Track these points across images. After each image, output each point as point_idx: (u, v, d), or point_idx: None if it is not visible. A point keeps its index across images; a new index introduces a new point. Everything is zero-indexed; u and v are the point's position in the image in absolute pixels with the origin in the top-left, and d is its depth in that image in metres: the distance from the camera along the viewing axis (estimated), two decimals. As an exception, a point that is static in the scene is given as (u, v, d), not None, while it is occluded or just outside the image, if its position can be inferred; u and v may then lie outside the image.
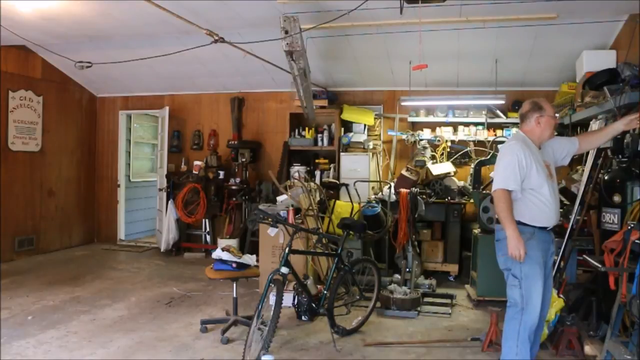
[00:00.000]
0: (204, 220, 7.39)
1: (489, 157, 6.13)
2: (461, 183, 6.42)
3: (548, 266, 3.15)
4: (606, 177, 3.88)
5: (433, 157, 6.59)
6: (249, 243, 6.53)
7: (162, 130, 7.85)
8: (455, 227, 6.10)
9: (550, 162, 3.16)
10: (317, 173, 6.80)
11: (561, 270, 4.27)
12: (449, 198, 6.17)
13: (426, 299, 5.06)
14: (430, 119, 6.71)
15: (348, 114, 6.84)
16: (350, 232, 4.44)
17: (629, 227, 3.09)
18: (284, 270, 3.64)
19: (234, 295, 4.22)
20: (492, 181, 5.72)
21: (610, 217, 3.71)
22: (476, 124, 6.56)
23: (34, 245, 7.11)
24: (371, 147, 6.74)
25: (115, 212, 8.26)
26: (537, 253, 3.01)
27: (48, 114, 7.28)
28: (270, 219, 3.84)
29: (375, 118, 6.94)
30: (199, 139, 7.85)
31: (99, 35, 5.91)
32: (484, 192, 5.51)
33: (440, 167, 6.37)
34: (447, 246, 6.15)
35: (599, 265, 3.19)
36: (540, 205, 3.03)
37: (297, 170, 6.54)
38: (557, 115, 3.14)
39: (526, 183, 3.00)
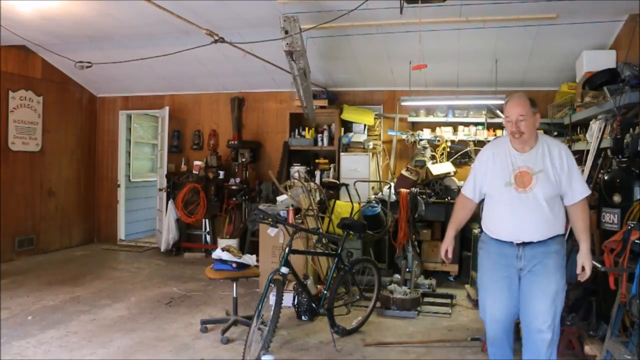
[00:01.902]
0: (204, 220, 7.39)
1: (489, 157, 6.12)
2: (461, 183, 6.40)
3: (531, 276, 2.74)
4: (606, 177, 3.88)
5: (433, 157, 6.59)
6: (249, 243, 6.53)
7: (162, 130, 7.85)
8: (455, 227, 6.08)
9: (539, 170, 2.71)
10: (317, 173, 6.80)
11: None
12: (449, 198, 6.17)
13: (426, 299, 5.06)
14: (430, 119, 6.71)
15: (348, 114, 6.84)
16: (350, 232, 4.44)
17: (629, 227, 3.09)
18: (284, 270, 3.64)
19: (234, 295, 4.22)
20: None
21: (610, 217, 3.71)
22: (476, 124, 6.56)
23: (34, 245, 7.11)
24: (371, 147, 6.75)
25: (115, 212, 8.26)
26: (488, 262, 2.86)
27: (48, 114, 7.28)
28: (270, 219, 3.84)
29: (375, 118, 6.94)
30: (199, 139, 7.85)
31: (99, 35, 5.91)
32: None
33: (440, 167, 6.37)
34: (447, 246, 6.13)
35: (599, 265, 3.19)
36: (492, 215, 2.85)
37: (297, 170, 6.54)
38: (510, 119, 2.72)
39: (484, 189, 2.90)
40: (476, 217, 5.40)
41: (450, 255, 2.99)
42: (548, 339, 2.65)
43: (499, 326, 2.83)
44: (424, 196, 5.84)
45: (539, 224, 2.70)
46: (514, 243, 2.73)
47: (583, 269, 2.72)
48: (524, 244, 2.71)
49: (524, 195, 2.70)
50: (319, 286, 4.77)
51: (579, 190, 2.73)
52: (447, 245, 3.00)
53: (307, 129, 6.95)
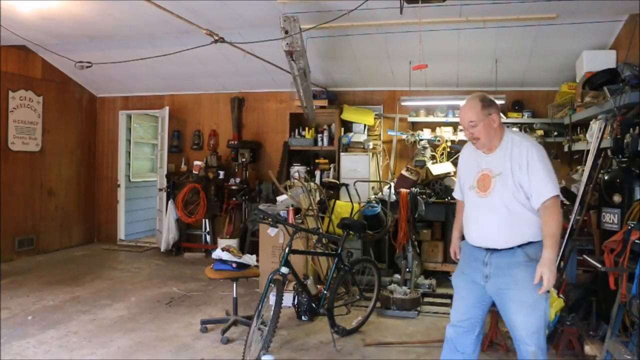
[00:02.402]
0: (204, 220, 7.39)
1: (489, 157, 6.12)
2: (461, 183, 6.40)
3: (496, 288, 2.57)
4: (606, 177, 3.88)
5: (433, 157, 6.59)
6: (249, 243, 6.53)
7: (162, 130, 7.85)
8: (456, 227, 6.09)
9: (498, 172, 2.55)
10: (317, 173, 6.80)
11: (561, 270, 4.27)
12: (449, 198, 6.16)
13: (426, 299, 5.06)
14: (430, 119, 6.71)
15: (348, 114, 6.84)
16: (350, 232, 4.44)
17: (629, 227, 3.09)
18: (284, 270, 3.64)
19: (234, 295, 4.22)
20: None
21: (610, 217, 3.71)
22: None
23: (34, 245, 7.11)
24: (371, 147, 6.75)
25: (115, 212, 8.26)
26: (463, 264, 2.75)
27: (48, 114, 7.28)
28: (270, 219, 3.84)
29: (375, 118, 6.94)
30: (199, 139, 7.85)
31: (99, 35, 5.91)
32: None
33: (440, 167, 6.36)
34: (447, 246, 6.13)
35: (599, 265, 3.19)
36: (465, 218, 2.75)
37: (297, 170, 6.54)
38: (462, 127, 2.68)
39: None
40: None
41: (459, 256, 2.90)
42: (532, 350, 2.50)
43: (451, 330, 2.73)
44: (424, 196, 5.84)
45: (500, 230, 2.53)
46: (483, 248, 2.60)
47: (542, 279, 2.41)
48: (491, 250, 2.56)
49: (484, 200, 2.58)
50: (319, 286, 4.77)
51: (538, 191, 2.47)
52: (454, 247, 2.96)
53: (307, 129, 6.95)
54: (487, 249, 2.57)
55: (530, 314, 2.49)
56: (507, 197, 2.51)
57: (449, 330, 2.76)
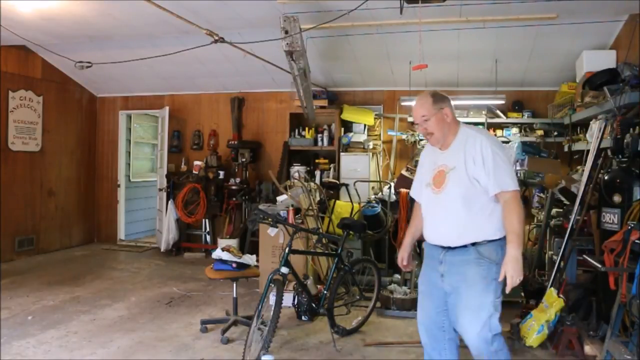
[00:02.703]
0: (204, 220, 7.39)
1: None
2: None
3: (453, 289, 2.49)
4: (606, 177, 3.88)
5: (433, 157, 6.58)
6: (249, 243, 6.53)
7: (162, 130, 7.85)
8: (455, 227, 6.09)
9: (452, 167, 2.48)
10: (317, 173, 6.80)
11: (561, 270, 4.27)
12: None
13: (426, 299, 5.05)
14: (430, 119, 6.69)
15: (348, 114, 6.84)
16: (350, 232, 4.43)
17: (629, 227, 3.09)
18: (284, 270, 3.64)
19: (234, 295, 4.22)
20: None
21: (610, 217, 3.71)
22: (476, 124, 6.53)
23: (34, 245, 7.11)
24: (371, 147, 6.74)
25: (115, 212, 8.26)
26: (424, 264, 2.71)
27: (48, 114, 7.28)
28: (270, 219, 3.84)
29: (375, 118, 6.94)
30: (199, 139, 7.85)
31: (99, 35, 5.91)
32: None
33: (440, 167, 6.35)
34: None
35: (599, 265, 3.19)
36: (423, 216, 2.69)
37: (297, 170, 6.54)
38: (416, 122, 2.64)
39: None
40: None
41: (405, 263, 2.81)
42: (482, 357, 2.42)
43: (422, 330, 2.66)
44: (424, 196, 5.82)
45: (453, 227, 2.47)
46: (439, 246, 2.55)
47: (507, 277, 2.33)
48: (446, 248, 2.51)
49: (438, 197, 2.52)
50: (319, 286, 4.77)
51: (495, 183, 2.38)
52: (403, 253, 2.83)
53: (307, 129, 6.95)
54: (443, 247, 2.52)
55: (474, 316, 2.41)
56: (460, 192, 2.44)
57: (419, 331, 2.67)
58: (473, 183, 2.42)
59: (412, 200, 5.46)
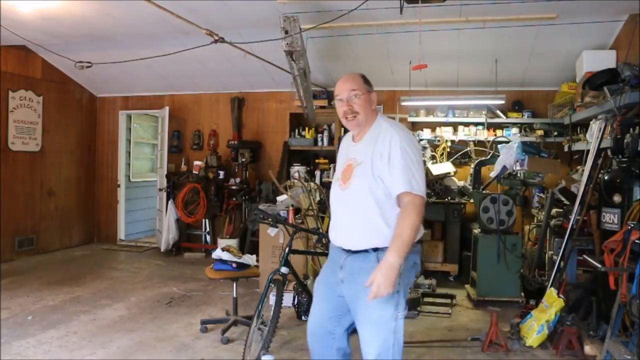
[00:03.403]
0: (204, 220, 7.39)
1: (489, 157, 6.15)
2: (461, 183, 6.42)
3: (349, 295, 2.27)
4: (606, 177, 3.88)
5: (433, 157, 6.59)
6: (249, 243, 6.53)
7: (162, 130, 7.85)
8: (455, 227, 6.10)
9: (360, 161, 2.25)
10: (317, 173, 6.80)
11: (561, 270, 4.27)
12: (449, 198, 6.18)
13: (426, 299, 5.06)
14: (430, 119, 6.71)
15: (348, 114, 6.82)
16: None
17: (629, 227, 3.10)
18: (284, 270, 3.63)
19: (234, 295, 4.22)
20: (491, 181, 5.79)
21: (610, 217, 3.71)
22: (476, 124, 6.56)
23: (34, 245, 7.11)
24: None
25: (115, 212, 8.26)
26: (325, 265, 2.49)
27: (48, 114, 7.27)
28: (270, 219, 3.83)
29: (375, 118, 6.92)
30: (199, 139, 7.85)
31: (99, 35, 5.91)
32: (484, 192, 5.52)
33: (440, 167, 6.37)
34: (447, 246, 6.15)
35: (599, 265, 3.20)
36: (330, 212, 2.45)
37: (297, 170, 6.54)
38: (340, 97, 2.33)
39: None
40: (476, 217, 5.45)
41: None
42: None
43: (310, 334, 2.42)
44: (424, 196, 5.83)
45: (354, 228, 2.23)
46: (342, 249, 2.30)
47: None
48: (347, 252, 2.26)
49: (343, 193, 2.27)
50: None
51: (397, 184, 2.14)
52: None
53: (307, 129, 6.95)
54: (344, 251, 2.28)
55: (374, 331, 2.18)
56: (364, 190, 2.20)
57: (308, 337, 2.43)
58: (377, 181, 2.18)
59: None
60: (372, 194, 2.18)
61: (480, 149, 6.51)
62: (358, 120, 2.29)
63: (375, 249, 2.19)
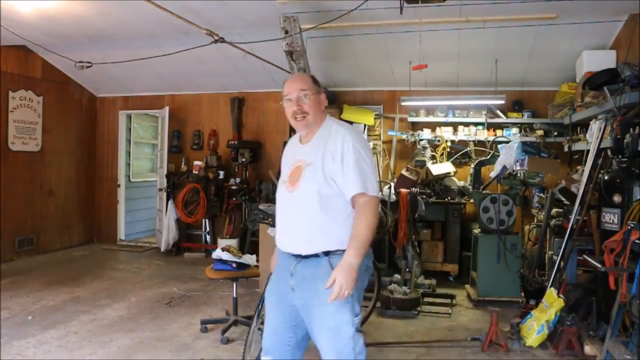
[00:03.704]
0: (204, 220, 7.39)
1: (489, 157, 6.14)
2: (461, 183, 6.42)
3: (301, 304, 2.18)
4: (606, 177, 3.88)
5: (433, 157, 6.59)
6: (249, 243, 6.53)
7: (162, 130, 7.85)
8: (455, 227, 6.10)
9: (309, 162, 2.18)
10: (317, 173, 6.79)
11: (561, 270, 4.28)
12: (449, 198, 6.18)
13: (426, 299, 5.06)
14: (430, 119, 6.71)
15: (348, 114, 6.83)
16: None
17: (629, 227, 3.10)
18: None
19: (234, 295, 4.22)
20: (491, 181, 5.79)
21: (610, 217, 3.71)
22: (476, 124, 6.56)
23: (34, 245, 7.11)
24: (371, 147, 6.73)
25: (115, 212, 8.26)
26: (274, 274, 2.38)
27: (48, 114, 7.27)
28: (270, 219, 3.83)
29: (375, 118, 6.94)
30: (199, 139, 7.85)
31: (99, 35, 5.91)
32: (484, 192, 5.52)
33: (440, 167, 6.37)
34: (447, 246, 6.15)
35: (599, 265, 3.20)
36: (276, 218, 2.36)
37: (297, 170, 6.52)
38: (290, 97, 2.23)
39: None
40: (476, 217, 5.45)
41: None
42: None
43: (267, 346, 2.29)
44: (424, 196, 5.84)
45: (304, 231, 2.16)
46: (291, 255, 2.22)
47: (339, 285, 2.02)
48: (297, 258, 2.18)
49: (291, 196, 2.20)
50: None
51: (352, 185, 2.10)
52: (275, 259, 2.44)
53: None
54: (294, 256, 2.19)
55: (332, 337, 2.11)
56: (315, 192, 2.13)
57: (264, 352, 2.31)
58: (329, 182, 2.13)
59: (412, 200, 5.51)
60: (322, 196, 2.13)
61: (480, 149, 6.51)
62: (307, 121, 2.23)
63: (327, 253, 2.13)
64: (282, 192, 2.27)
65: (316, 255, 2.13)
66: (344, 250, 2.08)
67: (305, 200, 2.14)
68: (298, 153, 2.28)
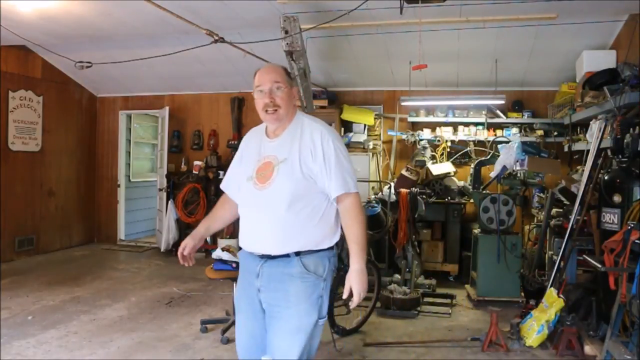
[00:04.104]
0: (204, 220, 7.38)
1: (488, 157, 6.14)
2: (461, 183, 6.42)
3: (267, 305, 2.10)
4: (606, 177, 3.88)
5: (433, 157, 6.59)
6: (249, 243, 6.51)
7: (162, 130, 7.85)
8: (455, 227, 6.10)
9: (282, 159, 2.08)
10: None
11: (561, 270, 4.28)
12: (449, 198, 6.18)
13: (426, 299, 5.06)
14: (430, 119, 6.71)
15: (348, 114, 6.84)
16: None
17: (629, 227, 3.10)
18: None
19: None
20: (491, 181, 5.80)
21: (610, 217, 3.72)
22: (476, 124, 6.56)
23: (34, 245, 7.11)
24: (371, 147, 6.74)
25: (115, 212, 8.26)
26: (240, 277, 2.25)
27: (48, 114, 7.27)
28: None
29: (375, 118, 6.94)
30: (199, 139, 7.85)
31: (99, 35, 5.91)
32: (484, 192, 5.52)
33: (440, 167, 6.37)
34: (447, 246, 6.15)
35: (599, 265, 3.20)
36: (240, 217, 2.22)
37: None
38: (262, 89, 2.13)
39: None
40: (476, 217, 5.45)
41: (186, 252, 2.32)
42: None
43: (241, 356, 2.20)
44: (424, 196, 5.84)
45: (275, 231, 2.05)
46: (256, 255, 2.11)
47: (351, 293, 2.05)
48: (264, 257, 2.09)
49: (262, 194, 2.07)
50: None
51: (337, 185, 2.05)
52: (187, 241, 2.35)
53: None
54: (262, 256, 2.10)
55: (294, 339, 2.04)
56: (290, 190, 2.04)
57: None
58: (307, 180, 2.05)
59: (412, 200, 5.51)
60: (298, 194, 2.05)
61: (480, 149, 6.52)
62: (279, 115, 2.12)
63: (297, 253, 2.06)
64: (250, 189, 2.12)
65: (286, 256, 2.06)
66: (315, 251, 2.07)
67: (279, 199, 2.04)
68: (265, 148, 2.16)
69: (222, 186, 2.47)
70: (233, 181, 2.36)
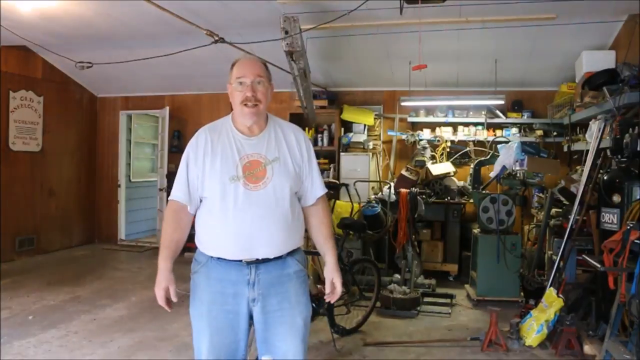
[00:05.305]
0: (204, 220, 7.38)
1: (488, 157, 6.16)
2: (461, 183, 6.43)
3: (264, 313, 1.99)
4: (605, 177, 3.89)
5: (433, 157, 6.60)
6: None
7: (162, 130, 7.85)
8: (455, 227, 6.11)
9: (273, 158, 2.01)
10: (317, 173, 6.79)
11: (561, 270, 4.28)
12: (449, 198, 6.18)
13: (426, 299, 5.07)
14: (430, 119, 6.72)
15: (348, 114, 6.84)
16: (350, 232, 4.44)
17: (628, 227, 3.10)
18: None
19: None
20: (491, 181, 5.80)
21: (610, 217, 3.72)
22: (476, 124, 6.57)
23: (34, 245, 7.11)
24: (371, 147, 6.75)
25: (115, 212, 8.26)
26: (207, 293, 2.04)
27: (49, 114, 7.28)
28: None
29: (375, 118, 6.95)
30: (199, 139, 7.84)
31: (99, 35, 5.91)
32: (484, 192, 5.53)
33: (440, 167, 6.38)
34: (447, 246, 6.16)
35: (598, 265, 3.20)
36: (211, 224, 2.02)
37: (297, 170, 6.53)
38: (243, 81, 2.14)
39: (204, 189, 2.06)
40: (476, 217, 5.45)
41: (175, 299, 2.12)
42: None
43: None
44: (423, 196, 5.85)
45: (277, 232, 1.97)
46: (244, 262, 1.96)
47: (333, 286, 2.10)
48: (258, 262, 1.96)
49: (257, 193, 1.95)
50: (319, 286, 4.77)
51: (318, 185, 2.10)
52: (163, 287, 2.10)
53: (307, 129, 6.94)
54: (252, 263, 1.96)
55: (301, 341, 2.01)
56: (286, 190, 1.99)
57: None
58: (296, 180, 2.05)
59: (412, 200, 5.51)
60: (293, 193, 2.04)
61: (480, 149, 6.52)
62: (259, 110, 2.06)
63: (290, 253, 2.05)
64: (238, 190, 1.95)
65: (280, 257, 2.01)
66: (298, 248, 2.14)
67: (278, 199, 1.98)
68: (244, 147, 2.04)
69: (178, 197, 2.17)
70: (194, 189, 2.11)
